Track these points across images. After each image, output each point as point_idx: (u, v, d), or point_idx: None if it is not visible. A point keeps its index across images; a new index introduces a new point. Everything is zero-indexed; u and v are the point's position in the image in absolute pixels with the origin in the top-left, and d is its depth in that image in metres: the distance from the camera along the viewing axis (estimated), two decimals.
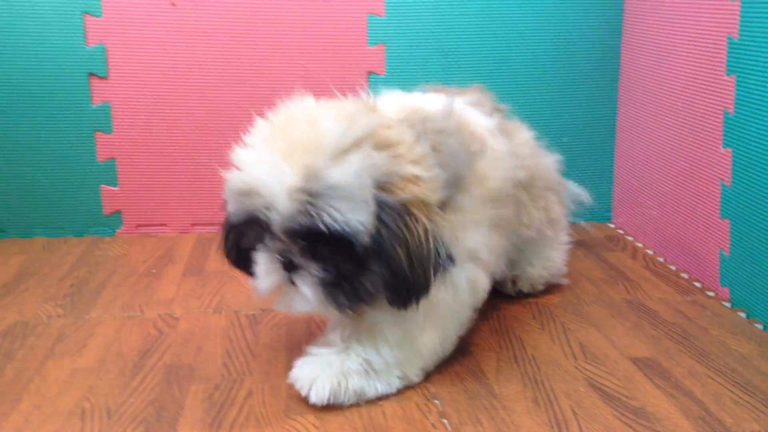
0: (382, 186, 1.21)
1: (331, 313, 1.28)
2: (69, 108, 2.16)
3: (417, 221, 1.23)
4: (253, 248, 1.29)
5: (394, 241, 1.21)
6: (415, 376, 1.38)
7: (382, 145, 1.24)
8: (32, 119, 2.16)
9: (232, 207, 1.28)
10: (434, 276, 1.26)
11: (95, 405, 1.32)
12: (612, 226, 2.36)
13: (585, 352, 1.50)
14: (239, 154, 1.26)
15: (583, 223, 2.14)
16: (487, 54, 2.24)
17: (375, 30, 2.20)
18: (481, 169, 1.43)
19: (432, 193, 1.26)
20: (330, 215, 1.18)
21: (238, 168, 1.25)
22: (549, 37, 2.25)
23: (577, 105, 2.31)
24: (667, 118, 2.02)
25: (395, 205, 1.22)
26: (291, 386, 1.37)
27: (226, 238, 1.37)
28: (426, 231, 1.23)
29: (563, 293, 1.80)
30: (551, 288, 1.83)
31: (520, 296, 1.80)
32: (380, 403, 1.32)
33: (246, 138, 1.29)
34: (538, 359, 1.47)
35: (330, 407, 1.30)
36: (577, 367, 1.44)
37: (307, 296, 1.24)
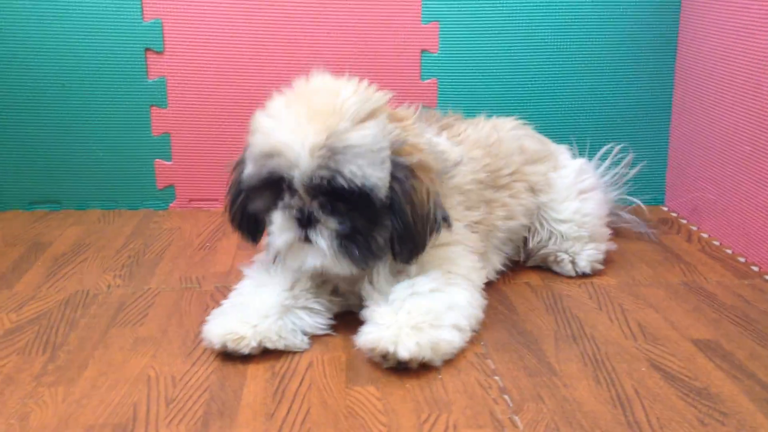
0: (394, 150, 1.37)
1: (341, 268, 1.38)
2: (126, 83, 2.18)
3: (421, 182, 1.39)
4: (266, 211, 1.40)
5: (405, 197, 1.37)
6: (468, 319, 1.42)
7: (393, 118, 1.42)
8: (90, 94, 2.18)
9: (251, 169, 1.38)
10: (430, 235, 1.41)
11: (160, 372, 1.34)
12: (665, 209, 2.33)
13: (644, 333, 1.49)
14: (262, 120, 1.38)
15: (628, 215, 2.10)
16: (542, 31, 2.22)
17: (429, 7, 2.18)
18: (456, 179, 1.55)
19: (434, 161, 1.43)
20: (350, 171, 1.30)
21: (261, 132, 1.36)
22: (605, 15, 2.22)
23: (633, 86, 2.28)
24: (727, 100, 1.99)
25: (406, 166, 1.38)
26: (351, 358, 1.38)
27: (233, 201, 1.49)
28: (428, 192, 1.39)
29: (619, 274, 1.79)
30: (606, 267, 1.81)
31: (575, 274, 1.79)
32: (439, 377, 1.32)
33: (268, 105, 1.41)
34: (597, 339, 1.47)
35: (389, 378, 1.31)
36: (637, 348, 1.43)
37: (322, 249, 1.35)
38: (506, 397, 1.26)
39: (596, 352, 1.41)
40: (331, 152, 1.30)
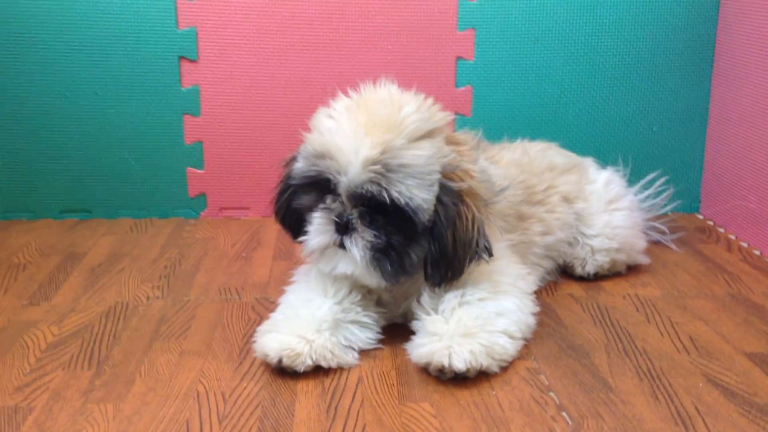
0: (445, 174, 1.36)
1: (371, 279, 1.38)
2: (159, 90, 2.17)
3: (468, 209, 1.38)
4: (308, 209, 1.40)
5: (447, 222, 1.36)
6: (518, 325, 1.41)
7: (450, 141, 1.41)
8: (123, 101, 2.17)
9: (302, 166, 1.38)
10: (469, 262, 1.40)
11: (209, 388, 1.32)
12: (701, 217, 2.30)
13: (697, 347, 1.46)
14: (322, 120, 1.38)
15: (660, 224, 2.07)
16: (577, 38, 2.19)
17: (465, 14, 2.16)
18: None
19: (483, 189, 1.41)
20: (398, 190, 1.30)
21: (318, 131, 1.37)
22: (642, 20, 2.20)
23: (669, 92, 2.25)
24: (766, 105, 1.96)
25: (454, 191, 1.37)
26: (401, 372, 1.36)
27: (281, 195, 1.49)
28: (474, 219, 1.38)
29: (663, 286, 1.77)
30: (646, 279, 1.79)
31: (595, 278, 1.79)
32: (493, 393, 1.30)
33: (330, 107, 1.41)
34: (649, 353, 1.44)
35: (442, 394, 1.29)
36: (691, 362, 1.40)
37: (355, 258, 1.35)
38: (564, 414, 1.24)
39: (650, 367, 1.39)
40: (384, 169, 1.30)
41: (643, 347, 1.46)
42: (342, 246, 1.36)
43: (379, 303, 1.51)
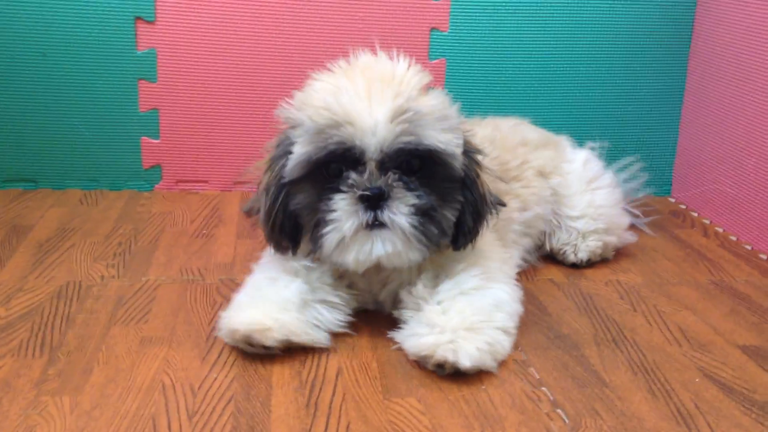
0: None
1: (411, 254, 1.26)
2: (112, 53, 2.02)
3: (477, 159, 1.34)
4: (309, 207, 1.26)
5: (475, 169, 1.31)
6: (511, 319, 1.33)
7: None
8: (73, 64, 2.02)
9: (307, 150, 1.23)
10: (489, 215, 1.34)
11: (176, 379, 1.21)
12: (672, 200, 2.26)
13: (688, 338, 1.41)
14: (317, 93, 1.25)
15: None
16: (554, 12, 2.11)
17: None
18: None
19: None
20: (433, 136, 1.22)
21: (319, 104, 1.22)
22: None
23: (645, 71, 2.19)
24: (747, 86, 1.91)
25: (469, 140, 1.32)
26: (383, 365, 1.27)
27: (273, 201, 1.30)
28: (482, 170, 1.36)
29: (644, 272, 1.71)
30: (626, 265, 1.73)
31: (588, 264, 1.72)
32: (483, 387, 1.22)
33: (322, 76, 1.29)
34: (640, 344, 1.38)
35: (429, 389, 1.21)
36: (684, 355, 1.34)
37: (397, 231, 1.22)
38: (560, 411, 1.16)
39: (643, 360, 1.32)
40: (413, 116, 1.21)
41: (633, 338, 1.40)
42: (374, 225, 1.22)
43: (351, 287, 1.41)
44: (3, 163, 2.07)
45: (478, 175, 1.33)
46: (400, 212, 1.22)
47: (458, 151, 1.26)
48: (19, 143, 2.06)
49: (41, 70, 2.02)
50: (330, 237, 1.24)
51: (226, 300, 1.45)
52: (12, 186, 2.09)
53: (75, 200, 2.04)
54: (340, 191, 1.23)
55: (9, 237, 1.75)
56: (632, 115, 2.21)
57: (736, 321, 1.48)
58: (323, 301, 1.35)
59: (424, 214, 1.24)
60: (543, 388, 1.22)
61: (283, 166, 1.28)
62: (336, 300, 1.36)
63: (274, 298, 1.30)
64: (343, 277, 1.40)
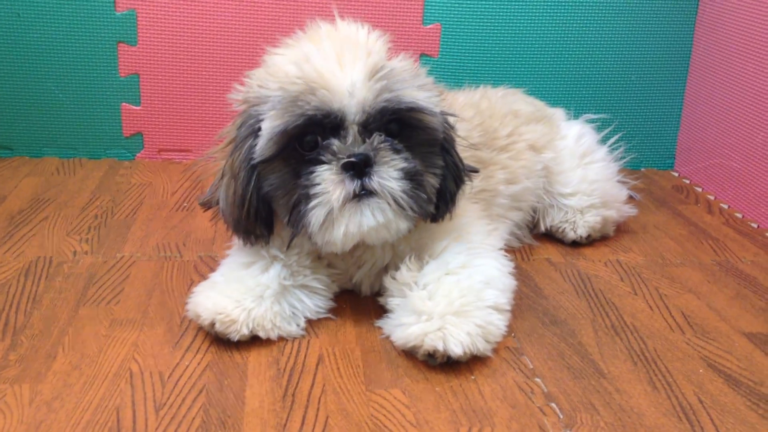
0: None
1: (401, 224, 1.17)
2: (91, 14, 1.92)
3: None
4: (285, 186, 1.17)
5: (451, 133, 1.24)
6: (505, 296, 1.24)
7: None
8: (49, 26, 1.92)
9: (278, 123, 1.13)
10: (463, 183, 1.27)
11: (144, 367, 1.13)
12: (676, 174, 2.17)
13: (691, 324, 1.33)
14: (285, 62, 1.17)
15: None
16: None
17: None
18: None
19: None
20: (412, 94, 1.14)
21: (288, 73, 1.14)
22: None
23: (649, 38, 2.09)
24: (756, 55, 1.81)
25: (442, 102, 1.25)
26: (367, 352, 1.19)
27: (245, 186, 1.19)
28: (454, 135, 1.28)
29: (646, 251, 1.63)
30: (627, 244, 1.65)
31: (588, 240, 1.64)
32: (473, 377, 1.14)
33: (281, 49, 1.21)
34: (640, 330, 1.30)
35: (415, 379, 1.13)
36: (687, 343, 1.27)
37: (387, 197, 1.13)
38: (554, 405, 1.09)
39: (644, 348, 1.24)
40: (390, 73, 1.14)
41: (632, 324, 1.32)
42: (362, 195, 1.13)
43: (330, 266, 1.33)
44: None
45: (453, 139, 1.26)
46: (390, 177, 1.13)
47: (437, 109, 1.19)
48: None
49: (16, 32, 1.92)
50: (316, 212, 1.14)
51: (204, 279, 1.37)
52: None
53: (52, 169, 1.95)
54: (321, 162, 1.13)
55: None
56: (634, 83, 2.12)
57: (742, 305, 1.40)
58: (303, 287, 1.27)
59: (412, 178, 1.15)
60: (537, 379, 1.15)
61: (252, 146, 1.17)
62: (316, 285, 1.29)
63: (251, 283, 1.21)
64: (321, 258, 1.31)
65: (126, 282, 1.39)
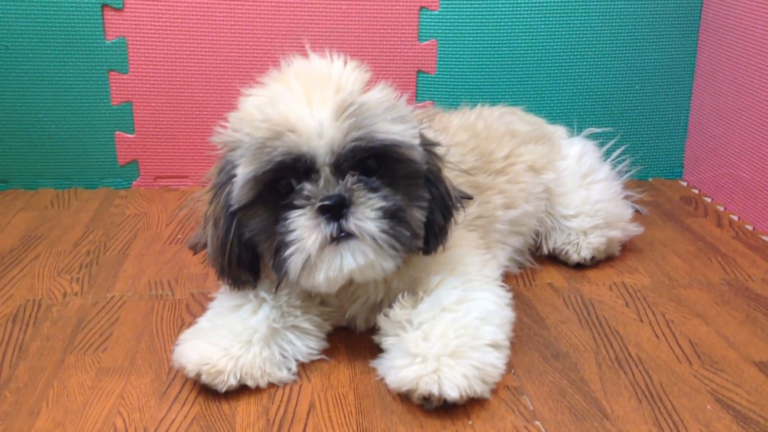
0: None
1: (386, 263, 1.13)
2: (80, 43, 1.89)
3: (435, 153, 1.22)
4: (265, 231, 1.13)
5: (436, 163, 1.20)
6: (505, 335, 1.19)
7: None
8: (39, 57, 1.89)
9: (249, 170, 1.09)
10: (455, 212, 1.22)
11: (129, 421, 1.10)
12: (684, 184, 2.11)
13: (699, 354, 1.28)
14: (252, 107, 1.12)
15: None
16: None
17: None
18: None
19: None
20: (385, 128, 1.10)
21: (255, 118, 1.10)
22: None
23: (652, 46, 2.03)
24: (763, 61, 1.75)
25: (424, 134, 1.20)
26: (361, 396, 1.15)
27: (225, 236, 1.16)
28: (442, 165, 1.24)
29: (652, 272, 1.57)
30: (633, 263, 1.60)
31: (592, 262, 1.60)
32: (470, 423, 1.10)
33: (253, 90, 1.17)
34: (645, 363, 1.25)
35: (410, 427, 1.09)
36: (695, 375, 1.22)
37: (366, 238, 1.09)
38: None
39: (649, 383, 1.19)
40: (359, 109, 1.09)
41: (637, 355, 1.27)
42: (340, 237, 1.09)
43: (323, 303, 1.29)
44: None
45: (440, 169, 1.21)
46: (367, 218, 1.09)
47: (416, 142, 1.14)
48: None
49: (4, 65, 1.89)
50: (294, 259, 1.10)
51: (195, 320, 1.34)
52: None
53: (46, 202, 1.92)
54: (296, 207, 1.10)
55: None
56: (639, 93, 2.07)
57: (752, 330, 1.35)
58: (294, 327, 1.23)
59: (392, 216, 1.11)
60: (537, 422, 1.10)
61: (229, 192, 1.14)
62: (307, 326, 1.24)
63: (238, 328, 1.18)
64: (313, 296, 1.27)
65: (115, 326, 1.35)
